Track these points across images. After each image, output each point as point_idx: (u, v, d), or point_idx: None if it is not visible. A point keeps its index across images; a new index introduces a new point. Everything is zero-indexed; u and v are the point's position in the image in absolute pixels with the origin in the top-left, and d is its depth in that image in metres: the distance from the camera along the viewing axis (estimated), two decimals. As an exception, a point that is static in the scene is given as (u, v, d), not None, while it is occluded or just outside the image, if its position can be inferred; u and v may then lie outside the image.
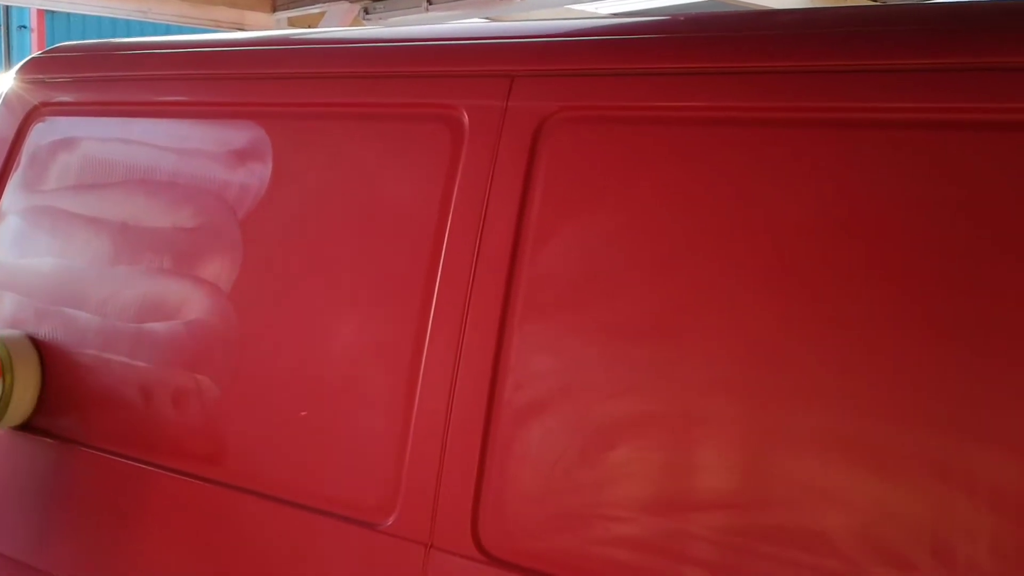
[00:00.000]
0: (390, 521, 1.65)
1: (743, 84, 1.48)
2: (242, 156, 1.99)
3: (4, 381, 2.08)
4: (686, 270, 1.47)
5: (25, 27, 14.92)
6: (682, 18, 1.77)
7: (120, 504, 2.01)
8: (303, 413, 1.78)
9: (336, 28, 5.98)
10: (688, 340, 1.45)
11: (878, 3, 1.58)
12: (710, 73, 1.51)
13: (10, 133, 2.31)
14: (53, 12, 12.83)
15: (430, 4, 5.89)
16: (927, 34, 1.39)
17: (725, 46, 1.54)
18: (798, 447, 1.36)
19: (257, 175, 1.95)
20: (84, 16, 12.41)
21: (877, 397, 1.31)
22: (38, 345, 2.15)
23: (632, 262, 1.51)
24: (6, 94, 2.32)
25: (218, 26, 6.72)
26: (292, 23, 6.95)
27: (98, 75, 2.28)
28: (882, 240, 1.33)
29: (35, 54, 2.50)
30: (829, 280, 1.36)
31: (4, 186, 2.31)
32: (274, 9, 6.83)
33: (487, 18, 6.40)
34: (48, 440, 2.13)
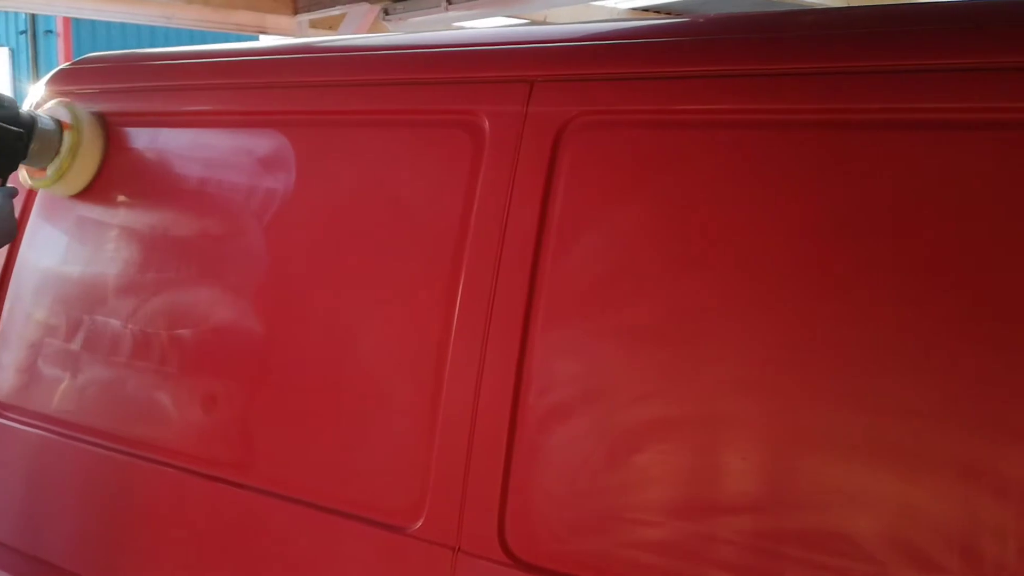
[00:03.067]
0: (417, 525, 1.66)
1: (767, 87, 1.47)
2: (266, 164, 2.01)
3: (72, 140, 2.17)
4: (708, 274, 1.46)
5: (51, 31, 15.13)
6: (702, 20, 1.76)
7: (145, 507, 2.04)
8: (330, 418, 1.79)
9: (359, 35, 6.00)
10: (711, 344, 1.45)
11: (910, 2, 1.55)
12: (731, 76, 1.50)
13: (40, 144, 2.34)
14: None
15: (449, 3, 5.92)
16: (957, 33, 1.38)
17: (747, 48, 1.53)
18: (828, 451, 1.35)
19: (282, 183, 1.97)
20: (109, 21, 12.58)
21: (911, 400, 1.30)
22: (106, 125, 2.25)
23: (654, 267, 1.51)
24: (36, 106, 2.35)
25: (240, 30, 6.77)
26: (313, 25, 6.99)
27: (126, 85, 2.31)
28: (919, 242, 1.32)
29: (63, 65, 2.53)
30: (860, 282, 1.35)
31: (35, 196, 2.34)
32: (295, 12, 6.88)
33: (507, 16, 6.40)
34: (76, 442, 2.15)
